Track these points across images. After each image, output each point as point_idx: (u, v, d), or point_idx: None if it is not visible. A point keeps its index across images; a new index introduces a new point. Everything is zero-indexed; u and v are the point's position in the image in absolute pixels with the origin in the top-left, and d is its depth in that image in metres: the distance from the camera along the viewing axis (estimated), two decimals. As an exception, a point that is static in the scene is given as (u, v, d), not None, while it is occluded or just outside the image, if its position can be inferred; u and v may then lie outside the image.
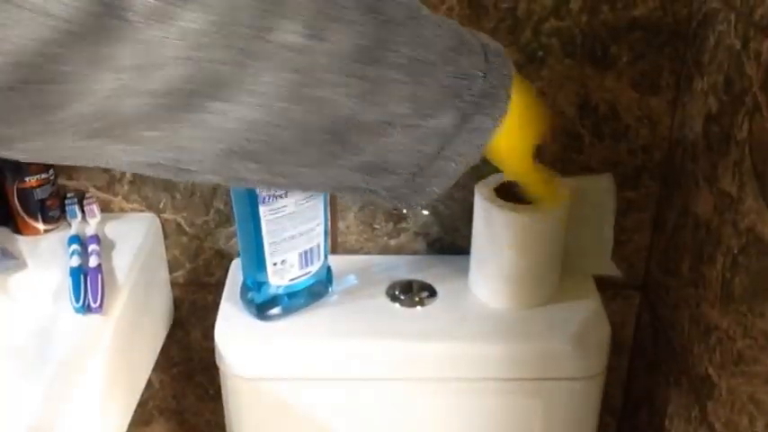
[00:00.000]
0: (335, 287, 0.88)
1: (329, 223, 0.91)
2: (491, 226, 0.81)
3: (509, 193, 0.81)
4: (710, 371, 0.74)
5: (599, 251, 0.89)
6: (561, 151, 0.88)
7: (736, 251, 0.68)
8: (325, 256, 0.85)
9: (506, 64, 0.57)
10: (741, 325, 0.67)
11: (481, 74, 0.54)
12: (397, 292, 0.87)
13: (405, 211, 0.91)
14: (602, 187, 0.86)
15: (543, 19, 0.81)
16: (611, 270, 0.88)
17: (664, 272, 0.89)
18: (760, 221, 0.64)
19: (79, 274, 0.80)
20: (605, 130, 0.86)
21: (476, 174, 0.81)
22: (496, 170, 0.81)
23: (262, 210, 0.77)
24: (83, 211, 0.89)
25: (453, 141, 0.54)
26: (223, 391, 0.86)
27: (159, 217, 0.93)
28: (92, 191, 0.91)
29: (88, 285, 0.78)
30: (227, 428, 0.89)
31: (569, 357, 0.81)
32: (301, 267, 0.82)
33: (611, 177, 0.86)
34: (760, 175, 0.64)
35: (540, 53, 0.82)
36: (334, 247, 0.94)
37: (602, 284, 0.93)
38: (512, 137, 0.60)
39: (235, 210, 0.81)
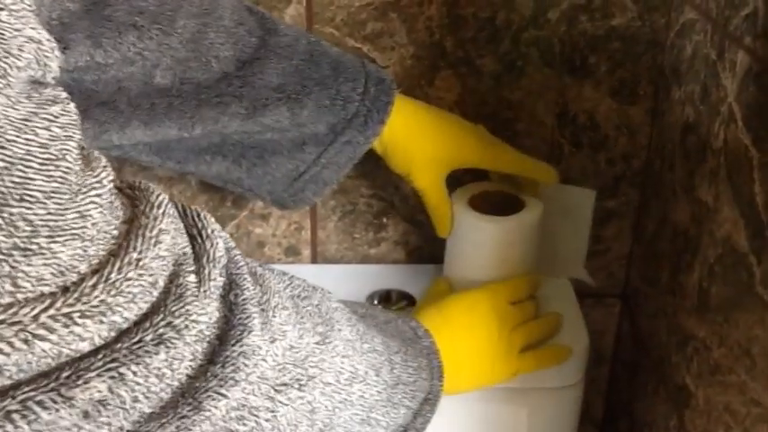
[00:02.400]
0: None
1: (309, 232, 0.91)
2: (464, 235, 0.81)
3: (484, 203, 0.81)
4: (688, 380, 0.74)
5: (574, 259, 0.89)
6: (541, 161, 0.88)
7: (712, 261, 0.69)
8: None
9: (386, 92, 0.70)
10: (717, 335, 0.67)
11: (358, 97, 0.68)
12: (376, 301, 0.87)
13: (384, 220, 0.91)
14: (583, 200, 0.86)
15: (522, 29, 0.81)
16: (585, 277, 0.88)
17: (643, 280, 0.89)
18: (735, 231, 0.64)
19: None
20: (584, 139, 0.86)
21: (455, 185, 0.81)
22: (474, 180, 0.81)
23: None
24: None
25: (328, 150, 0.69)
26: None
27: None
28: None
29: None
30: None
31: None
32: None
33: (594, 193, 0.86)
34: (735, 185, 0.64)
35: (519, 63, 0.83)
36: (315, 256, 0.94)
37: (583, 293, 0.94)
38: (409, 154, 0.74)
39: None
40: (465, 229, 0.80)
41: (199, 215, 0.44)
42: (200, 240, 0.43)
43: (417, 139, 0.74)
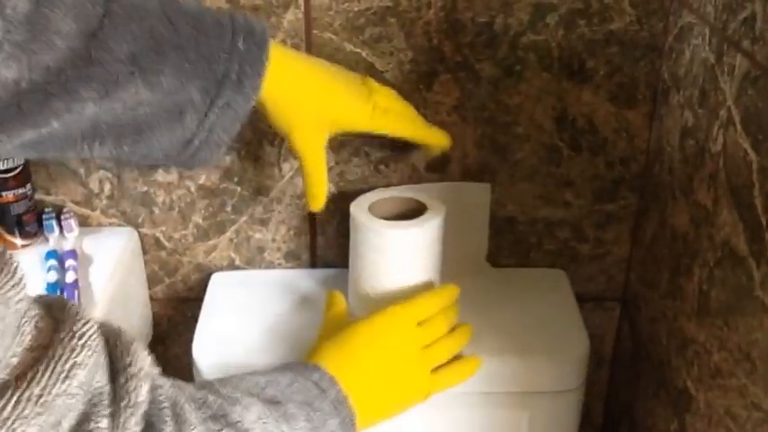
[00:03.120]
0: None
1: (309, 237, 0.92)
2: (367, 242, 0.78)
3: (386, 210, 0.80)
4: (689, 384, 0.74)
5: (476, 255, 0.90)
6: (539, 164, 0.88)
7: (712, 264, 0.69)
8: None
9: (258, 44, 0.63)
10: (717, 338, 0.67)
11: (225, 55, 0.61)
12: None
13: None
14: (480, 195, 0.87)
15: (520, 33, 0.81)
16: (488, 270, 0.88)
17: (643, 284, 0.89)
18: (734, 235, 0.64)
19: (55, 290, 0.79)
20: (583, 143, 0.86)
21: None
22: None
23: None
24: (60, 226, 0.89)
25: (208, 116, 0.62)
26: (202, 407, 0.85)
27: (138, 231, 0.92)
28: (69, 205, 0.91)
29: (64, 301, 0.77)
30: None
31: (548, 371, 0.81)
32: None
33: (489, 187, 0.87)
34: (734, 189, 0.64)
35: (518, 67, 0.83)
36: (314, 260, 0.94)
37: (583, 296, 0.94)
38: (292, 113, 0.69)
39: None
40: (367, 237, 0.78)
41: (129, 348, 0.41)
42: (123, 380, 0.39)
43: (299, 97, 0.69)
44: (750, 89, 0.62)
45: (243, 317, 0.87)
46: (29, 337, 0.35)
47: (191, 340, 0.84)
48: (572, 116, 0.85)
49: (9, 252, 0.35)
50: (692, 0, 0.74)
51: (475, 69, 0.83)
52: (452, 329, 0.75)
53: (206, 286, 0.92)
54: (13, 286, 0.34)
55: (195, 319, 0.86)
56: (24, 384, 0.34)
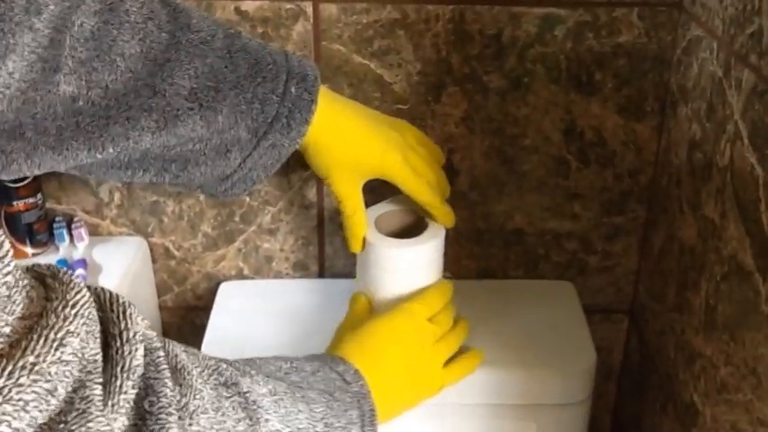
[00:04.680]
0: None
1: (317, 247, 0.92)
2: (371, 258, 0.78)
3: (390, 223, 0.81)
4: (695, 398, 0.73)
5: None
6: (547, 176, 0.88)
7: (718, 278, 0.68)
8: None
9: (309, 89, 0.66)
10: (724, 353, 0.67)
11: (277, 98, 0.64)
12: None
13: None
14: None
15: (528, 45, 0.81)
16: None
17: (651, 297, 0.89)
18: (741, 249, 0.64)
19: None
20: (591, 155, 0.86)
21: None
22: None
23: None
24: (71, 235, 0.90)
25: (252, 155, 0.65)
26: (209, 416, 0.85)
27: (147, 240, 0.93)
28: (80, 215, 0.92)
29: (73, 310, 0.78)
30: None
31: (554, 384, 0.81)
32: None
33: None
34: (741, 203, 0.64)
35: (526, 79, 0.83)
36: (322, 271, 0.94)
37: (592, 308, 0.93)
38: (334, 162, 0.72)
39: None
40: (373, 253, 0.78)
41: (124, 312, 0.41)
42: (118, 343, 0.40)
43: (340, 142, 0.71)
44: (757, 104, 0.61)
45: (251, 326, 0.87)
46: (20, 307, 0.35)
47: (199, 349, 0.84)
48: (580, 128, 0.85)
49: None
50: (701, 14, 0.74)
51: (483, 81, 0.83)
52: (455, 323, 0.77)
53: (215, 295, 0.92)
54: (1, 258, 0.34)
55: (204, 328, 0.87)
56: (19, 353, 0.34)
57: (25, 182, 0.85)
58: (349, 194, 0.74)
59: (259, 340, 0.85)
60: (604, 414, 1.03)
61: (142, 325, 0.42)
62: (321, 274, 0.95)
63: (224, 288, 0.93)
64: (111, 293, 0.42)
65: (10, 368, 0.33)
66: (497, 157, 0.87)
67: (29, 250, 0.88)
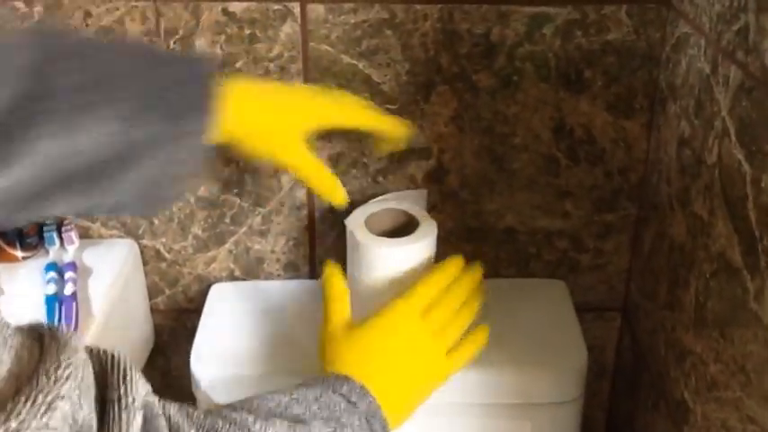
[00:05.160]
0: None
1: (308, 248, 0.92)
2: (362, 258, 0.78)
3: (381, 223, 0.80)
4: (686, 396, 0.73)
5: None
6: (538, 175, 0.88)
7: (708, 275, 0.68)
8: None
9: (208, 70, 0.62)
10: (713, 350, 0.67)
11: (176, 86, 0.60)
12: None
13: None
14: (418, 200, 0.86)
15: (517, 44, 0.81)
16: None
17: (642, 294, 0.89)
18: (729, 246, 0.64)
19: (54, 302, 0.80)
20: (581, 153, 0.86)
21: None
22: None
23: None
24: (61, 238, 0.89)
25: (167, 149, 0.59)
26: (200, 419, 0.85)
27: (138, 243, 0.93)
28: (70, 218, 0.91)
29: (62, 313, 0.78)
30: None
31: (546, 383, 0.81)
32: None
33: (425, 193, 0.87)
34: (729, 200, 0.64)
35: (515, 78, 0.83)
36: (313, 272, 0.94)
37: (584, 306, 0.93)
38: (257, 126, 0.69)
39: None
40: (363, 253, 0.77)
41: (125, 377, 0.39)
42: (116, 409, 0.38)
43: (265, 116, 0.69)
44: (744, 100, 0.61)
45: (242, 328, 0.87)
46: (6, 367, 0.33)
47: (190, 352, 0.84)
48: (570, 126, 0.85)
49: None
50: (689, 10, 0.74)
51: (472, 80, 0.83)
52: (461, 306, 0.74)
53: (206, 297, 0.92)
54: None
55: (195, 330, 0.87)
56: (2, 417, 0.32)
57: (14, 185, 0.85)
58: (302, 159, 0.72)
59: (250, 342, 0.85)
60: (598, 412, 1.03)
61: (143, 391, 0.40)
62: (312, 275, 0.94)
63: (215, 290, 0.93)
64: (113, 355, 0.40)
65: None
66: (487, 155, 0.87)
67: (19, 254, 0.88)
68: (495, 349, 0.82)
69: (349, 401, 0.62)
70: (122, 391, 0.39)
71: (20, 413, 0.32)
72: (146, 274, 0.95)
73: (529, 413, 0.83)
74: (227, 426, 0.51)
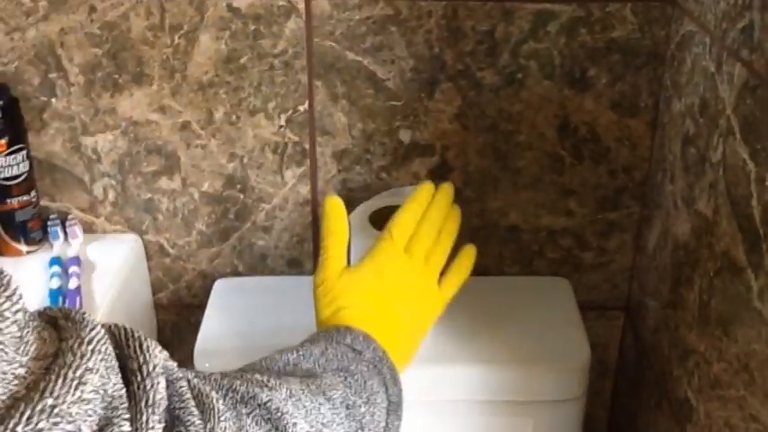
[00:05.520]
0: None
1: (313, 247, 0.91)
2: (364, 252, 0.75)
3: (384, 219, 0.80)
4: (689, 394, 0.73)
5: None
6: (542, 173, 0.88)
7: (711, 274, 0.68)
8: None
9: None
10: (717, 349, 0.67)
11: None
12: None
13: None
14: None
15: (521, 41, 0.81)
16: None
17: (645, 293, 0.89)
18: (733, 245, 0.63)
19: (58, 296, 0.80)
20: (585, 151, 0.86)
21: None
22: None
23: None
24: (65, 233, 0.90)
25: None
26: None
27: (142, 238, 0.93)
28: (74, 212, 0.92)
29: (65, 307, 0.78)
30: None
31: (549, 380, 0.81)
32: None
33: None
34: (733, 199, 0.64)
35: (519, 75, 0.83)
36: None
37: (587, 304, 0.93)
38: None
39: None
40: (366, 248, 0.75)
41: (141, 346, 0.40)
42: (139, 378, 0.39)
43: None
44: (749, 98, 0.61)
45: (245, 323, 0.87)
46: (33, 347, 0.34)
47: (194, 347, 0.84)
48: (574, 124, 0.85)
49: (0, 267, 0.35)
50: (693, 8, 0.74)
51: (476, 77, 0.83)
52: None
53: (210, 293, 0.92)
54: (8, 297, 0.33)
55: (199, 326, 0.87)
56: (37, 396, 0.33)
57: (19, 180, 0.85)
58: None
59: (254, 337, 0.85)
60: (600, 410, 1.03)
61: (161, 357, 0.41)
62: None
63: (219, 285, 0.93)
64: (125, 329, 0.41)
65: (28, 412, 0.32)
66: (491, 153, 0.87)
67: (23, 248, 0.88)
68: (498, 347, 0.82)
69: (354, 350, 0.62)
70: (142, 359, 0.39)
71: (53, 390, 0.33)
72: (149, 269, 0.95)
73: (531, 411, 0.83)
74: (246, 385, 0.51)
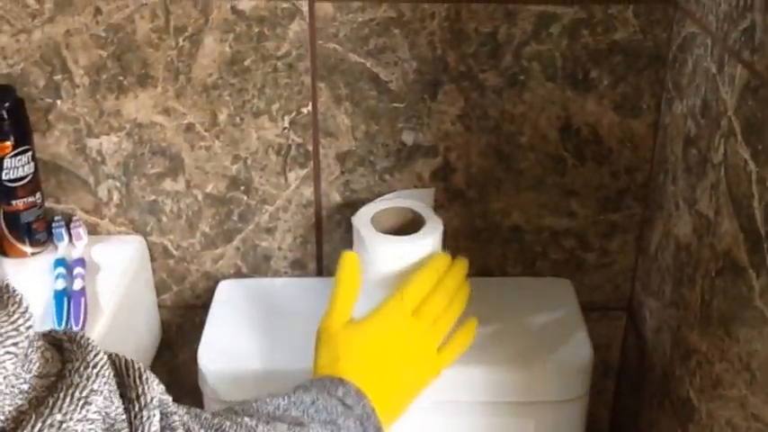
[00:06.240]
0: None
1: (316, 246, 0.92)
2: (368, 256, 0.78)
3: (387, 221, 0.80)
4: (691, 394, 0.74)
5: None
6: (544, 174, 0.88)
7: (713, 274, 0.69)
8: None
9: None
10: (719, 349, 0.67)
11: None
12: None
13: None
14: (425, 199, 0.86)
15: (523, 43, 0.81)
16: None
17: (647, 293, 0.89)
18: (735, 245, 0.64)
19: (63, 297, 0.80)
20: (587, 153, 0.87)
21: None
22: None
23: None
24: (70, 234, 0.90)
25: None
26: (207, 414, 0.86)
27: (146, 240, 0.93)
28: (79, 214, 0.92)
29: (71, 308, 0.79)
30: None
31: (552, 381, 0.81)
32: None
33: (432, 191, 0.87)
34: (735, 199, 0.64)
35: (522, 77, 0.83)
36: (320, 269, 0.95)
37: (589, 305, 0.94)
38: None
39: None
40: (369, 250, 0.78)
41: (141, 377, 0.41)
42: (136, 408, 0.40)
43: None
44: (750, 99, 0.62)
45: (249, 324, 0.87)
46: (36, 365, 0.35)
47: (198, 347, 0.84)
48: (576, 126, 0.85)
49: (12, 285, 0.36)
50: (695, 10, 0.74)
51: (479, 79, 0.83)
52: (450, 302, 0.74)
53: (213, 294, 0.92)
54: (21, 314, 0.34)
55: (202, 327, 0.87)
56: (46, 411, 0.34)
57: (24, 181, 0.85)
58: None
59: (257, 339, 0.85)
60: (603, 411, 1.03)
61: (158, 390, 0.42)
62: (319, 272, 0.95)
63: (222, 287, 0.94)
64: (126, 359, 0.42)
65: (39, 425, 0.33)
66: (494, 154, 0.87)
67: (27, 249, 0.89)
68: (500, 347, 0.83)
69: (344, 404, 0.63)
70: (140, 390, 0.40)
71: (62, 407, 0.34)
72: (153, 270, 0.95)
73: (533, 411, 0.83)
74: (235, 428, 0.52)
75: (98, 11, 0.82)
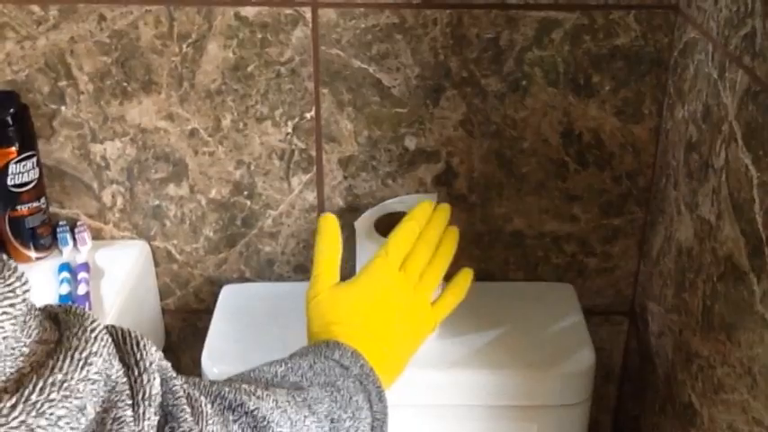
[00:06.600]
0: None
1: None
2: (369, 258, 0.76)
3: (389, 226, 0.80)
4: (693, 399, 0.74)
5: None
6: (546, 179, 0.88)
7: (715, 279, 0.69)
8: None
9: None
10: (720, 353, 0.67)
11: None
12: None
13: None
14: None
15: (525, 49, 0.82)
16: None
17: (649, 298, 0.89)
18: (736, 250, 0.64)
19: (68, 302, 0.81)
20: (589, 157, 0.87)
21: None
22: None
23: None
24: (74, 239, 0.90)
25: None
26: (210, 419, 0.86)
27: (150, 244, 0.94)
28: (83, 219, 0.92)
29: (75, 313, 0.79)
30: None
31: (554, 385, 0.81)
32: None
33: (435, 196, 0.86)
34: (736, 204, 0.64)
35: (524, 82, 0.83)
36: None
37: (592, 310, 0.94)
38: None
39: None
40: (370, 253, 0.76)
41: (138, 344, 0.41)
42: (136, 372, 0.40)
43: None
44: (751, 105, 0.62)
45: (252, 329, 0.88)
46: (35, 331, 0.36)
47: (201, 351, 0.85)
48: (578, 131, 0.86)
49: (6, 256, 0.36)
50: (696, 16, 0.75)
51: (481, 85, 0.84)
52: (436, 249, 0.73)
53: (217, 298, 0.93)
54: (18, 278, 0.35)
55: (206, 331, 0.87)
56: (47, 372, 0.34)
57: (29, 186, 0.86)
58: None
59: (261, 343, 0.85)
60: (605, 415, 1.03)
61: (156, 356, 0.42)
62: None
63: (226, 291, 0.94)
64: (122, 329, 0.42)
65: (41, 384, 0.34)
66: (496, 159, 0.88)
67: (32, 254, 0.89)
68: (503, 352, 0.83)
69: (342, 366, 0.63)
70: (138, 356, 0.41)
71: (62, 367, 0.35)
72: (157, 275, 0.96)
73: (536, 415, 0.83)
74: (234, 392, 0.52)
75: (102, 17, 0.82)
